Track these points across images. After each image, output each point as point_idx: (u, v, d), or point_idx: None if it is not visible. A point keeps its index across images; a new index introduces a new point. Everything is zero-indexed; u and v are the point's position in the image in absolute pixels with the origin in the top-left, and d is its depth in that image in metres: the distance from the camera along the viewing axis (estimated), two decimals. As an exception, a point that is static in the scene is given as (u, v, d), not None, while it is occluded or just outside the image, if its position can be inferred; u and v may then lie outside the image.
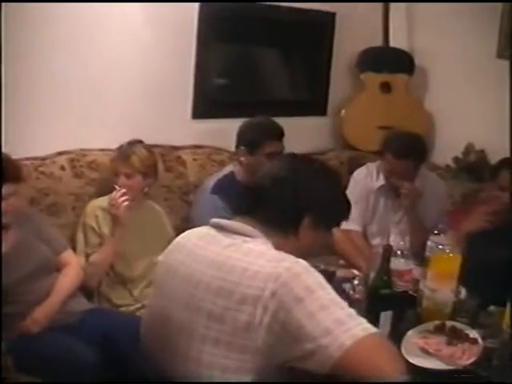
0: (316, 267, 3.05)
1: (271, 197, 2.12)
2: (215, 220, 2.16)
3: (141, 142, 3.89)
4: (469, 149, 4.87)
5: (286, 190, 2.12)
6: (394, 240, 3.52)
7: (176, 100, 4.55)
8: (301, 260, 1.95)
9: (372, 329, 1.86)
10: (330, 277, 3.04)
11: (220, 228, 2.11)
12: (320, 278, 1.93)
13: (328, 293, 1.89)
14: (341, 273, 3.23)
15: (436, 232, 3.02)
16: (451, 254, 2.91)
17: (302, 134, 4.89)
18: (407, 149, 4.05)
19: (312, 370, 1.83)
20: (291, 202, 2.12)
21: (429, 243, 3.08)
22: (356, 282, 3.03)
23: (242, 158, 3.97)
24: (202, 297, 1.96)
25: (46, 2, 3.80)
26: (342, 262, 3.92)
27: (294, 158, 2.33)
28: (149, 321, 2.19)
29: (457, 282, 3.10)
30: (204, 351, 1.93)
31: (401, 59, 5.24)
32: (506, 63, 4.69)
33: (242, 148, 3.96)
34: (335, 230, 3.82)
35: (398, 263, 2.87)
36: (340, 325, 1.80)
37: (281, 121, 4.16)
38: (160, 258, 2.22)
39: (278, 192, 2.12)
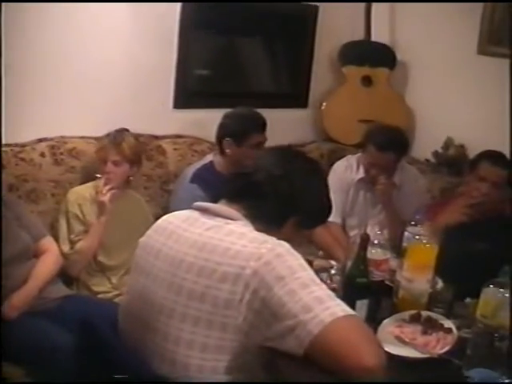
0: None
1: (264, 191, 2.14)
2: (198, 203, 2.18)
3: (127, 130, 3.90)
4: (448, 143, 4.90)
5: (281, 189, 2.15)
6: (372, 231, 3.56)
7: (157, 90, 4.56)
8: (283, 242, 1.98)
9: (351, 311, 1.89)
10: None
11: (203, 210, 2.14)
12: (302, 260, 1.95)
13: (309, 273, 1.92)
14: (318, 263, 3.24)
15: (413, 223, 3.04)
16: (428, 245, 2.93)
17: (283, 126, 4.90)
18: (390, 141, 4.08)
19: (288, 350, 1.84)
20: (283, 201, 2.15)
21: (406, 234, 3.10)
22: (333, 271, 3.06)
23: (228, 150, 3.97)
24: (183, 276, 1.97)
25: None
26: (321, 252, 3.93)
27: (293, 154, 2.36)
28: (128, 302, 2.20)
29: (434, 273, 3.14)
30: (184, 330, 1.95)
31: (382, 53, 5.26)
32: (487, 59, 4.73)
33: (228, 139, 3.96)
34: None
35: (374, 253, 2.89)
36: (320, 303, 1.82)
37: (262, 112, 4.18)
38: (141, 239, 2.22)
39: (272, 189, 2.14)
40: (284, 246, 1.96)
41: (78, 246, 3.65)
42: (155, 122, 4.51)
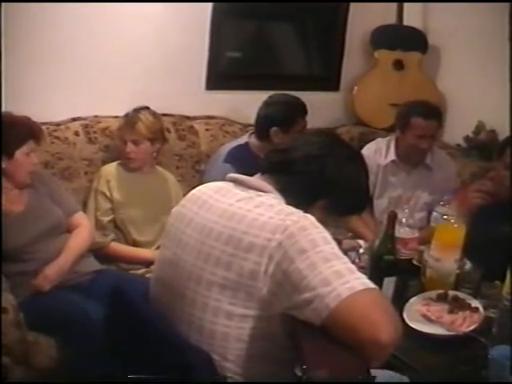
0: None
1: (297, 169, 2.16)
2: (232, 174, 2.21)
3: (147, 108, 3.94)
4: (479, 128, 4.89)
5: (313, 169, 2.16)
6: (402, 214, 3.59)
7: (190, 71, 4.60)
8: (309, 215, 1.98)
9: (371, 284, 1.88)
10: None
11: (236, 182, 2.16)
12: (325, 234, 1.95)
13: (332, 247, 1.92)
14: (348, 243, 3.27)
15: (441, 203, 3.06)
16: (455, 225, 2.95)
17: (314, 109, 4.88)
18: (432, 110, 4.18)
19: (307, 320, 1.86)
20: (314, 181, 2.16)
21: (434, 214, 3.14)
22: (362, 250, 3.09)
23: (275, 138, 3.98)
24: (212, 244, 2.00)
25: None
26: (350, 234, 3.96)
27: (333, 138, 2.36)
28: (159, 270, 2.23)
29: (462, 253, 3.16)
30: (210, 297, 1.98)
31: (414, 37, 5.25)
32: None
33: (275, 128, 3.97)
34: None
35: (402, 231, 2.92)
36: (340, 277, 1.83)
37: (294, 95, 4.20)
38: (174, 209, 2.26)
39: (304, 167, 2.16)
40: (309, 219, 1.97)
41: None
42: (187, 103, 4.55)
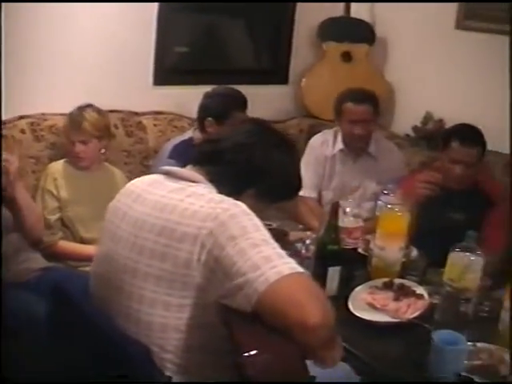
0: (268, 225, 3.14)
1: (225, 159, 2.18)
2: (164, 167, 2.23)
3: (91, 105, 3.90)
4: (427, 118, 4.93)
5: (242, 158, 2.18)
6: (347, 204, 3.61)
7: (137, 67, 4.58)
8: (240, 203, 2.00)
9: (299, 269, 1.90)
10: (282, 236, 3.12)
11: (168, 174, 2.18)
12: (256, 221, 1.97)
13: (262, 234, 1.93)
14: (295, 234, 3.29)
15: (385, 192, 3.09)
16: (399, 213, 2.98)
17: (263, 102, 4.93)
18: (364, 94, 4.24)
19: (239, 307, 1.87)
20: (243, 170, 2.18)
21: (378, 203, 3.16)
22: (308, 241, 3.11)
23: (209, 129, 3.99)
24: (145, 236, 2.01)
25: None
26: (301, 226, 3.98)
27: (262, 126, 2.36)
28: (97, 265, 2.23)
29: (409, 242, 3.19)
30: (146, 289, 1.99)
31: (362, 29, 5.28)
32: (465, 33, 4.75)
33: (210, 119, 3.98)
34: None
35: (347, 221, 2.94)
36: (268, 262, 1.84)
37: (242, 89, 4.21)
38: (109, 204, 2.27)
39: (233, 157, 2.18)
40: (239, 207, 1.98)
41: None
42: (135, 99, 4.53)
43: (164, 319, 1.98)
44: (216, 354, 1.97)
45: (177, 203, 2.01)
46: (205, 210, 1.96)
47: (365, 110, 4.15)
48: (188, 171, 2.18)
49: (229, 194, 2.07)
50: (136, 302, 2.02)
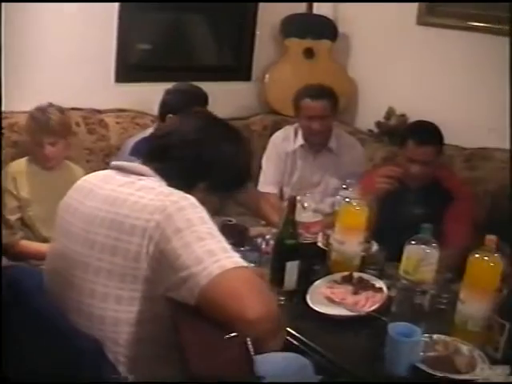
0: (228, 221, 3.16)
1: (173, 155, 2.19)
2: (115, 162, 2.24)
3: (51, 104, 3.86)
4: (390, 113, 4.96)
5: (190, 154, 2.19)
6: (311, 199, 3.62)
7: (99, 64, 4.56)
8: (189, 196, 2.01)
9: (243, 263, 1.92)
10: (241, 232, 3.13)
11: (119, 169, 2.18)
12: (203, 214, 1.98)
13: (208, 227, 1.94)
14: (256, 229, 3.30)
15: (344, 186, 3.10)
16: (358, 208, 3.00)
17: (226, 99, 4.94)
18: (321, 90, 4.26)
19: (184, 300, 1.87)
20: (191, 166, 2.18)
21: (337, 197, 3.17)
22: (268, 236, 3.12)
23: None
24: (96, 231, 2.02)
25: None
26: (263, 222, 3.99)
27: (209, 120, 2.36)
28: (50, 262, 2.23)
29: (369, 236, 3.22)
30: (98, 283, 2.00)
31: (324, 26, 5.29)
32: (426, 29, 4.78)
33: (170, 116, 3.97)
34: (252, 192, 3.94)
35: (305, 216, 2.95)
36: (211, 256, 1.86)
37: (205, 86, 4.21)
38: (62, 201, 2.26)
39: (180, 153, 2.19)
40: (188, 200, 1.99)
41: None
42: (97, 97, 4.52)
43: (116, 313, 1.99)
44: (167, 347, 1.97)
45: (127, 197, 2.02)
46: (154, 203, 1.96)
47: (322, 105, 4.17)
48: (139, 165, 2.18)
49: (179, 189, 2.07)
50: (88, 297, 2.02)
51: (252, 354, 1.92)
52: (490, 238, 2.52)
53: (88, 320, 2.02)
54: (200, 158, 2.19)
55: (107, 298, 1.99)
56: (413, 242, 2.64)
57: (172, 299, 1.92)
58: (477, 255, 2.53)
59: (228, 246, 1.94)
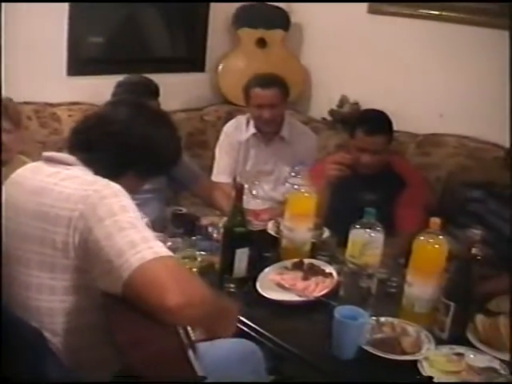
0: (179, 211, 3.17)
1: (97, 148, 2.18)
2: (45, 153, 2.23)
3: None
4: (343, 101, 5.00)
5: (114, 146, 2.19)
6: (266, 189, 3.65)
7: (50, 58, 4.54)
8: (113, 184, 2.02)
9: (164, 252, 1.91)
10: (192, 221, 3.15)
11: (47, 160, 2.18)
12: (126, 202, 1.98)
13: (129, 216, 1.94)
14: (208, 218, 3.31)
15: (293, 174, 3.12)
16: (306, 194, 3.02)
17: (180, 90, 4.99)
18: (270, 79, 4.27)
19: (110, 290, 1.88)
20: (117, 157, 2.19)
21: (286, 185, 3.19)
22: (220, 225, 3.13)
23: None
24: (25, 223, 2.03)
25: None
26: (218, 212, 4.00)
27: (129, 110, 2.32)
28: None
29: (320, 223, 3.25)
30: (31, 275, 2.00)
31: (276, 15, 5.31)
32: (377, 17, 4.82)
33: None
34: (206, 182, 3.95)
35: (254, 203, 2.97)
36: (132, 247, 1.86)
37: (159, 77, 4.20)
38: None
39: (104, 145, 2.18)
40: (111, 188, 2.00)
41: None
42: (49, 90, 4.50)
43: (51, 303, 2.00)
44: (105, 335, 1.96)
45: (53, 187, 2.02)
46: (78, 193, 1.97)
47: (271, 94, 4.19)
48: (65, 155, 2.17)
49: (107, 177, 2.07)
50: (24, 289, 2.03)
51: (188, 343, 1.94)
52: (435, 221, 2.55)
53: (27, 312, 2.02)
54: (125, 146, 2.19)
55: (41, 289, 2.00)
56: (357, 227, 2.67)
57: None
58: (422, 238, 2.57)
59: (150, 235, 1.94)
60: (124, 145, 2.18)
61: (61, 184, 2.02)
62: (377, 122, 3.77)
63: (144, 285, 1.83)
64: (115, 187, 2.01)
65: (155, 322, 1.83)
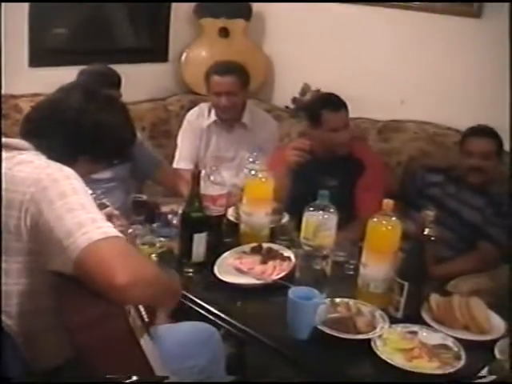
0: (139, 198, 3.19)
1: (47, 135, 2.19)
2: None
3: None
4: (305, 89, 5.03)
5: (64, 133, 2.20)
6: (227, 175, 3.68)
7: (12, 50, 4.52)
8: (66, 168, 2.04)
9: (112, 233, 1.92)
10: (152, 208, 3.18)
11: (4, 146, 2.18)
12: (77, 185, 2.00)
13: (79, 198, 1.96)
14: (167, 206, 3.33)
15: (251, 160, 3.15)
16: (264, 179, 3.05)
17: (143, 81, 5.00)
18: (229, 66, 4.31)
19: (61, 271, 1.91)
20: (68, 143, 2.20)
21: (244, 170, 3.23)
22: (180, 211, 3.16)
23: None
24: None
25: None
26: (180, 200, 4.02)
27: (81, 92, 2.32)
28: None
29: (281, 208, 3.29)
30: None
31: (238, 5, 5.34)
32: (339, 5, 4.85)
33: None
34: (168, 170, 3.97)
35: (211, 189, 2.97)
36: (80, 228, 1.88)
37: (122, 68, 4.20)
38: None
39: (55, 133, 2.19)
40: (63, 171, 2.02)
41: None
42: (11, 81, 4.48)
43: (6, 286, 2.01)
44: (59, 319, 1.95)
45: (6, 171, 2.03)
46: (31, 176, 1.99)
47: (229, 81, 4.22)
48: (20, 140, 2.18)
49: (62, 163, 2.08)
50: None
51: (142, 326, 1.97)
52: (388, 203, 2.60)
53: None
54: (77, 134, 2.20)
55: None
56: (311, 209, 2.70)
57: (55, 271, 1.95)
58: (375, 219, 2.61)
59: (99, 216, 1.96)
60: (75, 132, 2.20)
61: (14, 169, 2.03)
62: (337, 98, 3.87)
63: (92, 265, 1.85)
64: (67, 171, 2.02)
65: (105, 304, 1.85)
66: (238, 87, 4.25)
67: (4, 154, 2.12)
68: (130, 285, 1.84)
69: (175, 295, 2.25)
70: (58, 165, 2.05)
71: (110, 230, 1.93)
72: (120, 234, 1.97)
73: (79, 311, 1.87)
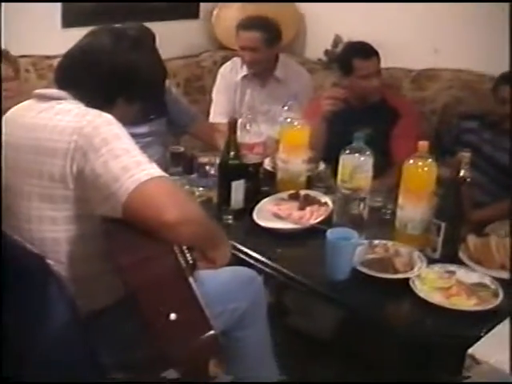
0: (177, 149, 3.23)
1: (83, 80, 2.21)
2: (36, 90, 2.25)
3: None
4: (337, 41, 5.01)
5: (99, 75, 2.22)
6: (262, 128, 3.69)
7: (45, 11, 4.56)
8: (105, 114, 2.07)
9: (158, 173, 1.97)
10: (190, 159, 3.22)
11: (39, 96, 2.22)
12: (118, 130, 2.03)
13: (123, 143, 2.00)
14: (204, 158, 3.36)
15: (286, 108, 3.18)
16: (299, 127, 3.08)
17: (175, 38, 4.99)
18: (253, 21, 4.31)
19: (109, 215, 1.96)
20: (105, 85, 2.23)
21: (280, 119, 3.25)
22: (217, 162, 3.19)
23: None
24: (23, 158, 2.09)
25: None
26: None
27: (111, 34, 2.33)
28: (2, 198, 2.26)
29: (316, 156, 3.31)
30: (32, 208, 2.08)
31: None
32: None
33: None
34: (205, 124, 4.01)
35: (248, 137, 3.01)
36: (126, 172, 1.92)
37: (154, 25, 4.18)
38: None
39: (90, 77, 2.21)
40: (103, 117, 2.05)
41: None
42: (44, 42, 4.52)
43: (54, 233, 2.08)
44: (108, 264, 2.00)
45: (47, 122, 2.08)
46: (72, 125, 2.02)
47: (252, 36, 4.23)
48: (56, 90, 2.21)
49: (99, 108, 2.11)
50: (26, 222, 2.11)
51: (187, 268, 2.02)
52: (423, 144, 2.61)
53: (31, 245, 2.08)
54: (110, 75, 2.22)
55: (43, 221, 2.08)
56: (347, 152, 2.72)
57: (103, 215, 1.99)
58: (411, 161, 2.62)
59: (144, 159, 2.00)
60: (108, 74, 2.22)
61: (54, 118, 2.08)
62: (368, 46, 3.89)
63: (141, 205, 1.91)
64: (107, 116, 2.06)
65: (154, 244, 1.92)
66: (261, 43, 4.25)
67: (42, 105, 2.16)
68: (179, 221, 1.92)
69: (223, 246, 2.29)
70: (97, 111, 2.08)
71: (156, 171, 1.98)
72: (166, 174, 2.02)
73: (129, 252, 1.92)
